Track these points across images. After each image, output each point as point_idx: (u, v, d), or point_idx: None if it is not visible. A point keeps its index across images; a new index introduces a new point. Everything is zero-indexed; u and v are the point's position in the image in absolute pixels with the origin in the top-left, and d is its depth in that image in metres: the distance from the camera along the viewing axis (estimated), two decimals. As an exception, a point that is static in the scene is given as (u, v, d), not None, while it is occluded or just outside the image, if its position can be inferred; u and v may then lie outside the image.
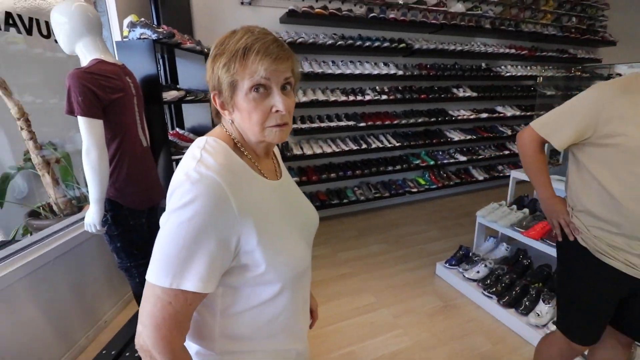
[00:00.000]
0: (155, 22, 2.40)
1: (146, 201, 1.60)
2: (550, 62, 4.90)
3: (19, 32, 1.69)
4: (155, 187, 1.68)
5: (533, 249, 2.19)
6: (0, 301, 1.37)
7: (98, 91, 1.33)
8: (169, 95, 1.83)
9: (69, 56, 1.50)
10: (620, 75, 2.27)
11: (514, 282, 2.16)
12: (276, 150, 0.80)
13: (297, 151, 3.34)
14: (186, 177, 0.54)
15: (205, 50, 2.36)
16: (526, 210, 2.45)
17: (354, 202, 3.67)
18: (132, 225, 1.53)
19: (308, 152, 3.35)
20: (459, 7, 3.95)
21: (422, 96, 3.83)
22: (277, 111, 0.60)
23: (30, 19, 1.74)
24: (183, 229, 0.52)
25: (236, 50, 0.56)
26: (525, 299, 2.02)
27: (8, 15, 1.63)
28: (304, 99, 3.16)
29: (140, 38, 1.76)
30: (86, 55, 1.45)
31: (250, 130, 0.62)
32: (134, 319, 1.54)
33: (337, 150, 3.48)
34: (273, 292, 0.64)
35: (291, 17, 3.06)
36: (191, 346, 0.66)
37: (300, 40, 3.07)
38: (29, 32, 1.73)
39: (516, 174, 2.58)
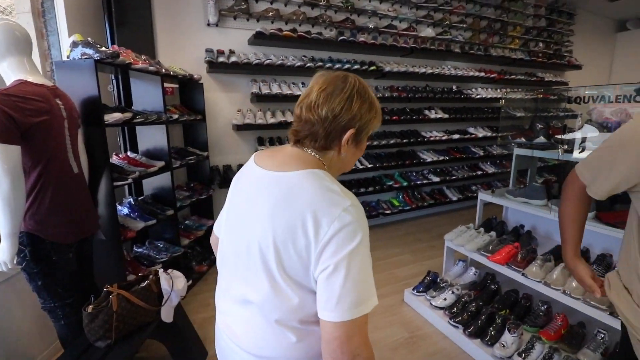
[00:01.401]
0: (109, 43, 2.32)
1: (74, 234, 1.46)
2: (519, 85, 5.04)
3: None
4: (88, 217, 1.55)
5: (501, 273, 2.12)
6: None
7: (15, 114, 1.21)
8: (112, 117, 1.72)
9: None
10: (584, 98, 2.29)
11: (480, 310, 2.08)
12: None
13: (265, 173, 3.24)
14: (351, 215, 0.62)
15: (164, 70, 2.28)
16: (493, 233, 2.41)
17: (326, 225, 3.56)
18: (55, 261, 1.39)
19: (277, 174, 3.26)
20: (429, 32, 4.04)
21: (394, 118, 3.83)
22: None
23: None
24: (367, 260, 0.63)
25: (378, 109, 0.76)
26: (491, 328, 1.93)
27: None
28: (272, 121, 3.10)
29: (81, 58, 1.67)
30: (10, 76, 1.35)
31: (352, 163, 0.80)
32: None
33: (307, 172, 3.40)
34: None
35: (259, 39, 3.04)
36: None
37: (268, 61, 3.03)
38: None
39: (483, 196, 2.54)
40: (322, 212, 0.61)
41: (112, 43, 2.31)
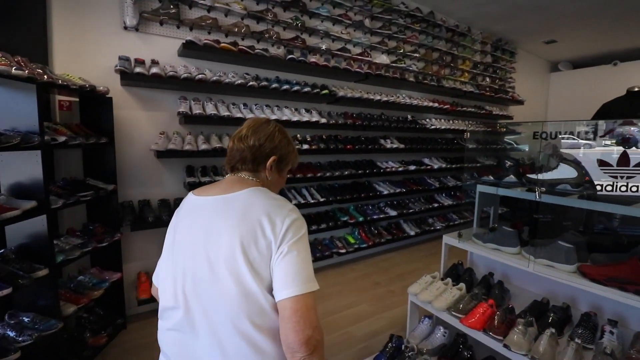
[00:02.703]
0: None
1: None
2: (470, 117, 5.07)
3: None
4: None
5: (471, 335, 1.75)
6: None
7: None
8: None
9: None
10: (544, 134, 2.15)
11: (457, 391, 1.67)
12: None
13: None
14: (296, 214, 0.86)
15: (45, 77, 1.68)
16: (462, 285, 2.06)
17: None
18: None
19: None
20: (384, 59, 3.86)
21: (349, 146, 3.50)
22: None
23: None
24: (308, 245, 0.85)
25: (294, 148, 1.07)
26: (472, 419, 1.52)
27: None
28: (204, 147, 2.56)
29: None
30: None
31: (279, 186, 1.06)
32: None
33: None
34: None
35: (190, 49, 2.54)
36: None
37: (200, 76, 2.53)
38: None
39: (448, 240, 2.23)
40: (274, 213, 0.83)
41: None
